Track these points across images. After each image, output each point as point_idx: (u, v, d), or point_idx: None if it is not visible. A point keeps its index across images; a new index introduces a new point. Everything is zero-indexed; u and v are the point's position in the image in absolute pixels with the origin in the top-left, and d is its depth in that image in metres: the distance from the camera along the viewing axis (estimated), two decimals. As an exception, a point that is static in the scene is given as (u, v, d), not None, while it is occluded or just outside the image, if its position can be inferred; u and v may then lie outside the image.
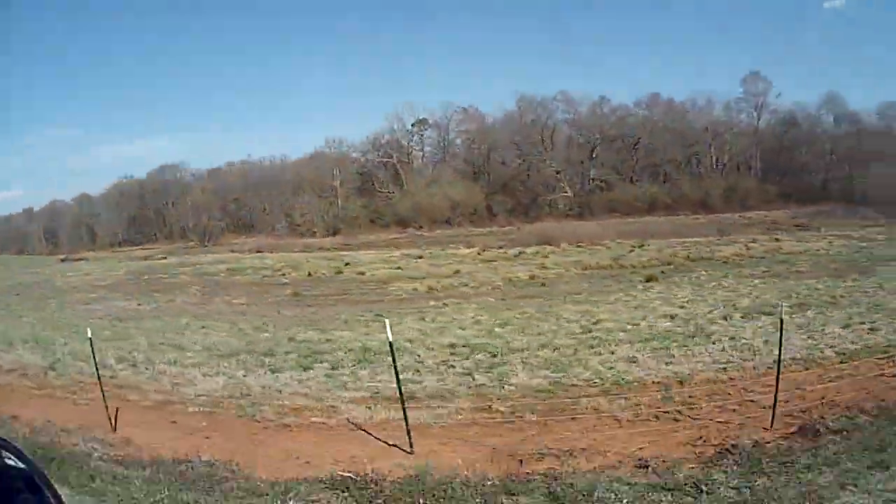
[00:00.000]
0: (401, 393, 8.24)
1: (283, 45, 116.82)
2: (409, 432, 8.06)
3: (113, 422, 9.63)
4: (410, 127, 69.82)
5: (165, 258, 47.82)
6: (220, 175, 78.70)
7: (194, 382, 11.97)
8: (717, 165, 63.45)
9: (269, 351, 14.08)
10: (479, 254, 37.62)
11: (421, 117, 70.76)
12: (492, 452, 7.87)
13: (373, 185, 67.96)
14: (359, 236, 57.32)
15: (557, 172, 62.84)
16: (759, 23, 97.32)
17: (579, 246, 38.06)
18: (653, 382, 10.44)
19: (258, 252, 49.67)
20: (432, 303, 21.09)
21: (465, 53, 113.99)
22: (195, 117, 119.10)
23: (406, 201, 61.63)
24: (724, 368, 10.89)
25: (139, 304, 23.97)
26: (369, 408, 9.91)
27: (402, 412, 8.17)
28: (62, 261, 62.77)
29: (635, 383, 10.43)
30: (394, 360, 8.30)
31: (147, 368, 13.23)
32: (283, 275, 31.56)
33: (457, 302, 20.83)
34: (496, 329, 15.49)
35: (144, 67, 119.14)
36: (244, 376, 12.21)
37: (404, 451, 8.00)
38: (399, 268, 31.97)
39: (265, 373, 12.40)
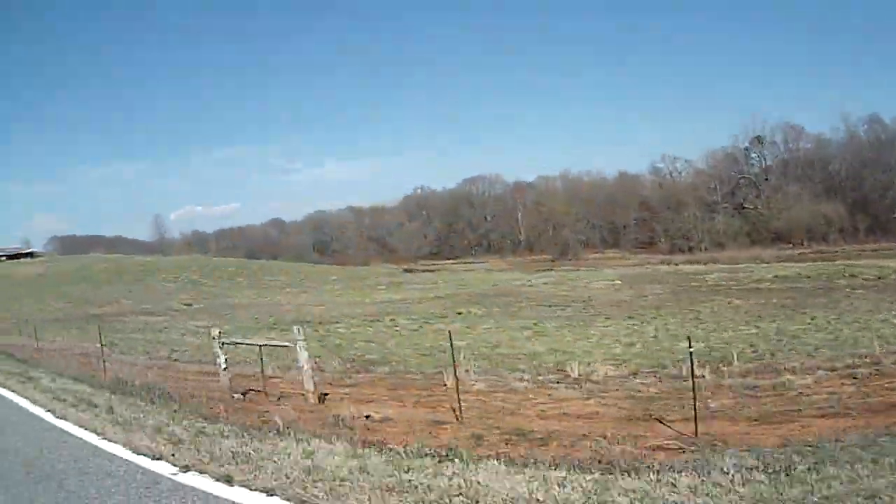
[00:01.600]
0: None
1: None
2: None
3: None
4: (755, 142, 75.34)
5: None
6: (534, 189, 77.83)
7: None
8: None
9: None
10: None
11: (756, 135, 75.66)
12: None
13: (744, 200, 64.57)
14: (746, 251, 53.99)
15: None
16: None
17: None
18: None
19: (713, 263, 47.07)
20: None
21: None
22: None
23: (779, 217, 57.59)
24: None
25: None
26: None
27: None
28: (406, 271, 65.85)
29: None
30: None
31: None
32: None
33: None
34: None
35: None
36: None
37: None
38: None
39: None
